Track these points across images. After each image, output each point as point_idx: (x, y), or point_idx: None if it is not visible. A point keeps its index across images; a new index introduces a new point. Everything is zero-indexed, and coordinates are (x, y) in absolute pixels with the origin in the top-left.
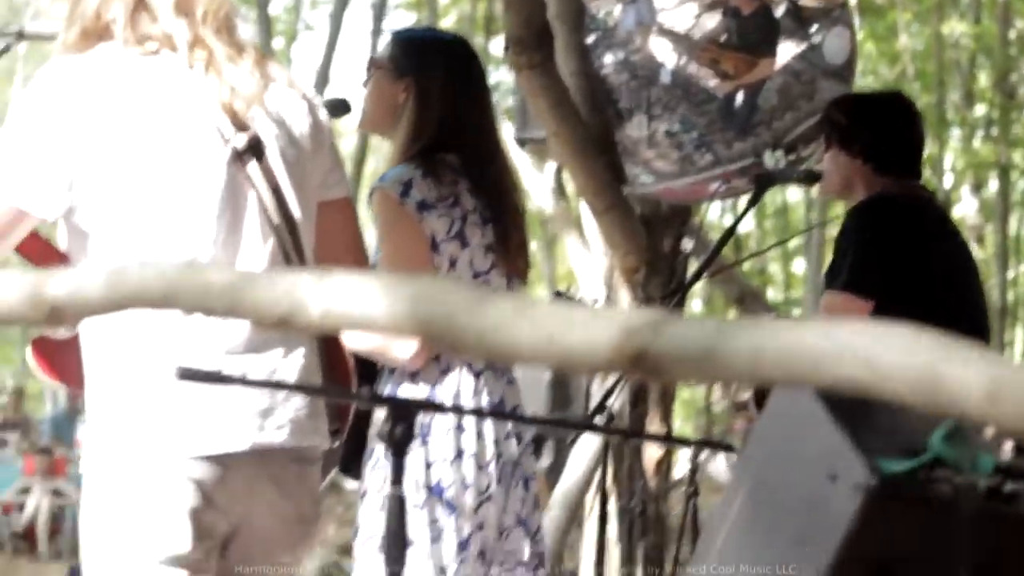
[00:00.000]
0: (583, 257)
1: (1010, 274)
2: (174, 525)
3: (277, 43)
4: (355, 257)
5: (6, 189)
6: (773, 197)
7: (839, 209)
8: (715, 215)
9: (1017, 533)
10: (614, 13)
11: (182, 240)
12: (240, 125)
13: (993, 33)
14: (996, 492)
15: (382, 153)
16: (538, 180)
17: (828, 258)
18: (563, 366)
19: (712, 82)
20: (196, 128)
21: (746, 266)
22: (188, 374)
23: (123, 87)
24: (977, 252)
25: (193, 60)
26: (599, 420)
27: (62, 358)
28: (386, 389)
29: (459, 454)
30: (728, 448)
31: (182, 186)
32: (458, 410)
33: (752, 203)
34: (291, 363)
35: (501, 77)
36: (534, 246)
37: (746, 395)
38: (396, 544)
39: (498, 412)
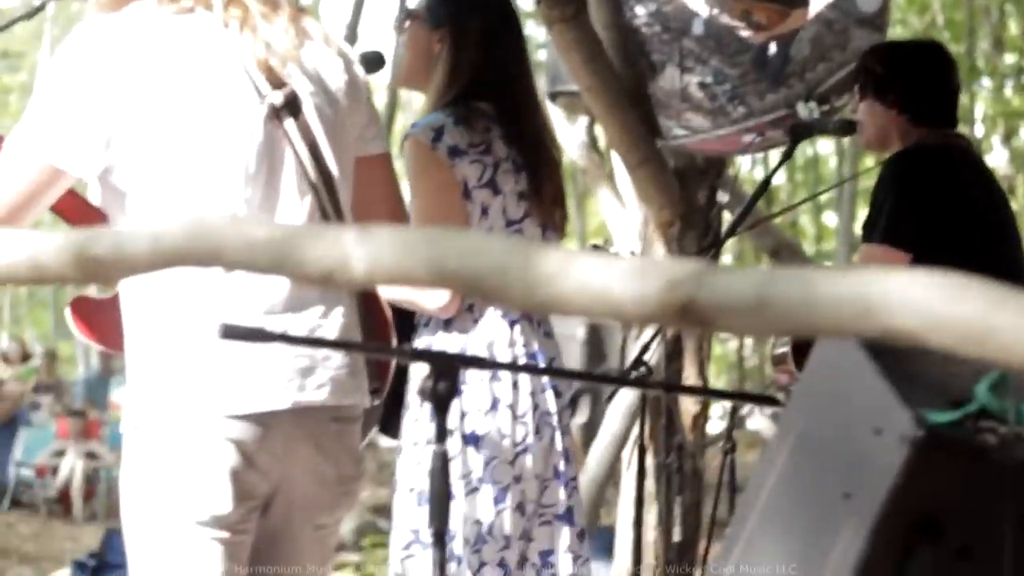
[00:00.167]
0: (617, 212)
1: None
2: (214, 486)
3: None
4: (393, 212)
5: (43, 147)
6: (803, 149)
7: (870, 161)
8: (745, 168)
9: None
10: None
11: (219, 198)
12: (276, 82)
13: None
14: None
15: (411, 110)
16: (570, 134)
17: (860, 211)
18: (610, 318)
19: (745, 33)
20: (232, 86)
21: (777, 220)
22: (231, 331)
23: (159, 45)
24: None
25: (228, 18)
26: (636, 375)
27: (101, 319)
28: (420, 339)
29: (494, 404)
30: (772, 401)
31: (219, 144)
32: (502, 366)
33: (787, 155)
34: (331, 321)
35: (531, 32)
36: None
37: (782, 349)
38: (440, 502)
39: (541, 368)
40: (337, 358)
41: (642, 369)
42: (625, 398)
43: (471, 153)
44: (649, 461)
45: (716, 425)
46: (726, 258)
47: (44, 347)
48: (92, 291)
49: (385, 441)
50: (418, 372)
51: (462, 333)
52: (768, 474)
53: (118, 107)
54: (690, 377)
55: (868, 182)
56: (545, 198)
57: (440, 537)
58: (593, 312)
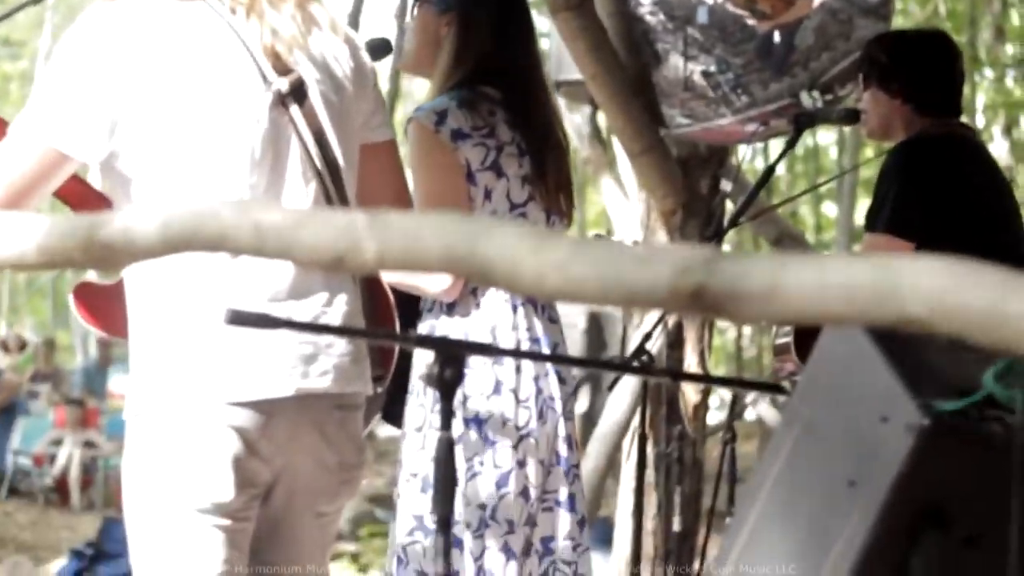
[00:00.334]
0: (618, 200)
1: None
2: (216, 473)
3: None
4: (398, 199)
5: (47, 131)
6: (804, 139)
7: (871, 151)
8: (746, 157)
9: None
10: None
11: (224, 184)
12: (282, 69)
13: None
14: None
15: (413, 99)
16: (572, 123)
17: (860, 201)
18: (622, 305)
19: (749, 21)
20: (238, 72)
21: (779, 209)
22: (237, 317)
23: (165, 31)
24: None
25: (235, 4)
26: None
27: (104, 305)
28: (424, 324)
29: (497, 388)
30: (778, 389)
31: (224, 130)
32: (507, 352)
33: (791, 144)
34: (334, 309)
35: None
36: None
37: (784, 339)
38: (445, 489)
39: (547, 355)
40: (340, 345)
41: (644, 358)
42: (626, 388)
43: (474, 136)
44: (649, 450)
45: (713, 416)
46: (725, 248)
47: (42, 336)
48: (94, 277)
49: (383, 430)
50: (422, 357)
51: (465, 317)
52: (773, 462)
53: (124, 92)
54: (691, 366)
55: (869, 173)
56: (550, 183)
57: (445, 524)
58: (605, 299)
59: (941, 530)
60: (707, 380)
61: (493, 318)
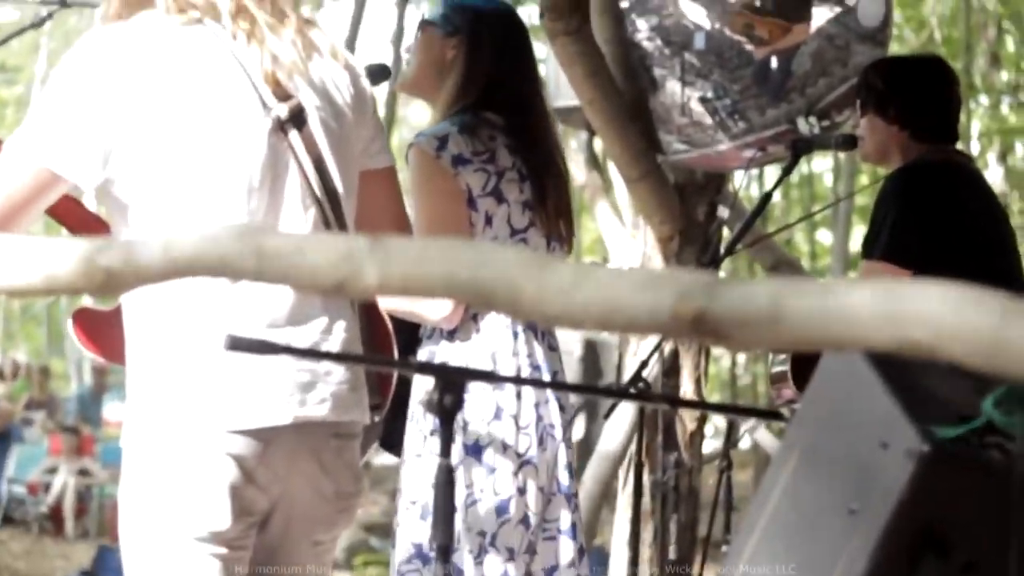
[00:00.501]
0: (615, 227)
1: None
2: (214, 501)
3: (303, 13)
4: (398, 226)
5: (41, 151)
6: (799, 166)
7: (866, 178)
8: (741, 183)
9: None
10: None
11: (223, 210)
12: (282, 95)
13: None
14: None
15: (409, 125)
16: (568, 150)
17: (856, 228)
18: (623, 331)
19: (746, 47)
20: (237, 98)
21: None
22: (236, 343)
23: (164, 56)
24: None
25: (236, 30)
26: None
27: (103, 331)
28: (424, 350)
29: (497, 414)
30: (776, 416)
31: (223, 156)
32: (507, 379)
33: (788, 170)
34: (333, 336)
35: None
36: None
37: (781, 367)
38: (444, 516)
39: (546, 382)
40: (338, 373)
41: (640, 385)
42: (622, 415)
43: (475, 161)
44: (645, 478)
45: (708, 444)
46: (721, 274)
47: (37, 363)
48: (92, 303)
49: (379, 459)
50: (421, 384)
51: (465, 343)
52: (773, 488)
53: (121, 116)
54: (688, 393)
55: (864, 200)
56: (550, 209)
57: (445, 551)
58: (605, 325)
59: (941, 556)
60: (704, 407)
61: (493, 344)
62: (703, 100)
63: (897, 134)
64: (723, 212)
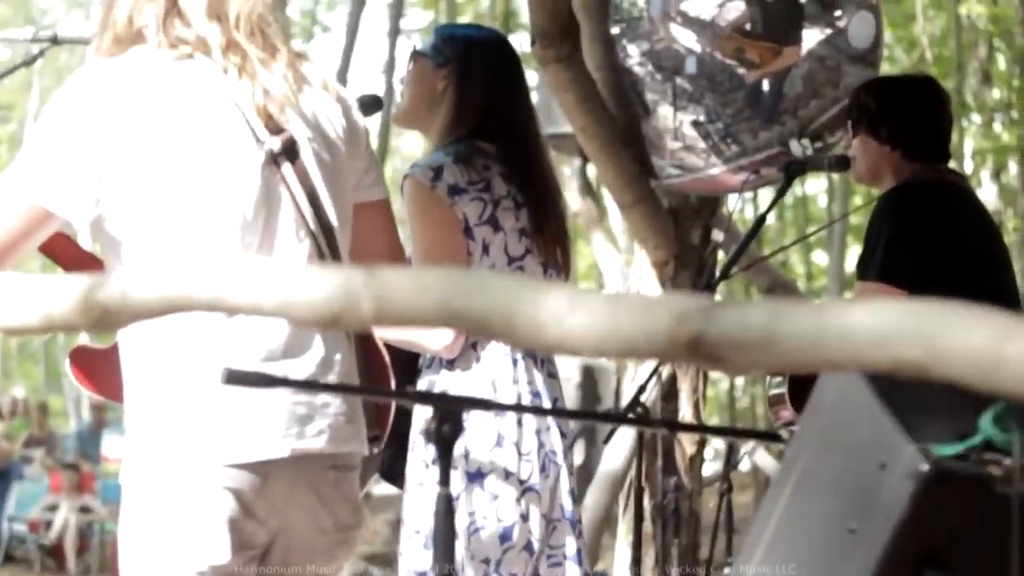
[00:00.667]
0: (609, 252)
1: None
2: (213, 535)
3: (294, 45)
4: (393, 258)
5: (32, 188)
6: (793, 188)
7: (860, 199)
8: (735, 206)
9: None
10: (638, 3)
11: (216, 245)
12: (274, 128)
13: (1010, 14)
14: None
15: (402, 155)
16: (562, 177)
17: (851, 249)
18: (620, 356)
19: (738, 71)
20: (230, 132)
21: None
22: (233, 377)
23: (156, 91)
24: None
25: (227, 64)
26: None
27: (100, 369)
28: (423, 380)
29: (499, 441)
30: (775, 438)
31: (216, 190)
32: (506, 407)
33: (782, 192)
34: (330, 367)
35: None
36: None
37: (778, 389)
38: (445, 546)
39: (545, 409)
40: (335, 405)
41: (639, 410)
42: (621, 440)
43: (471, 191)
44: (646, 503)
45: (708, 467)
46: (717, 298)
47: (36, 401)
48: (89, 341)
49: (379, 489)
50: (422, 414)
51: (465, 371)
52: (773, 510)
53: (114, 151)
54: (686, 417)
55: (859, 220)
56: (547, 235)
57: None
58: (603, 350)
59: (942, 574)
60: (703, 430)
61: (493, 372)
62: (695, 124)
63: (889, 154)
64: (718, 236)
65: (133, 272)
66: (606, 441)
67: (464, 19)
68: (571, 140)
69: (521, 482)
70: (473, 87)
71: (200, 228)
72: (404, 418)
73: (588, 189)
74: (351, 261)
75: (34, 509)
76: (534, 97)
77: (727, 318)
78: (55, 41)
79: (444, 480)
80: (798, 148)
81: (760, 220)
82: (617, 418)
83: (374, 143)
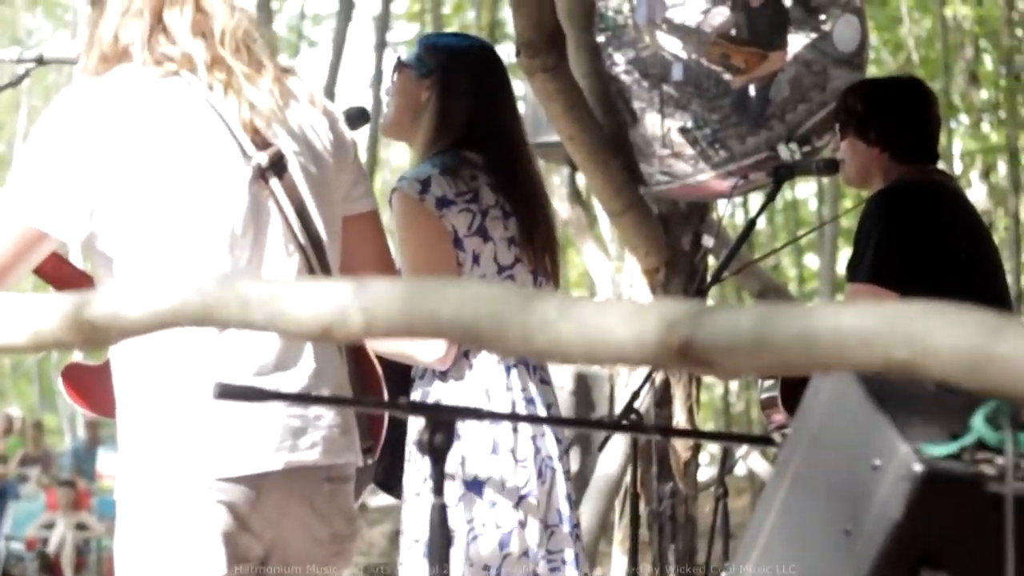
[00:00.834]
0: (600, 261)
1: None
2: (209, 549)
3: (281, 60)
4: (383, 270)
5: (26, 209)
6: (782, 192)
7: (850, 202)
8: (725, 211)
9: None
10: (623, 11)
11: (206, 260)
12: (261, 143)
13: (996, 15)
14: None
15: (391, 167)
16: (551, 186)
17: (842, 251)
18: (610, 362)
19: (724, 76)
20: (217, 148)
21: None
22: (225, 391)
23: (143, 108)
24: None
25: (212, 80)
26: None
27: (92, 386)
28: (417, 391)
29: (495, 448)
30: (768, 442)
31: (205, 207)
32: (498, 416)
33: (771, 196)
34: (322, 381)
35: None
36: None
37: (770, 393)
38: (440, 555)
39: (538, 417)
40: (328, 417)
41: (633, 416)
42: (615, 447)
43: (459, 202)
44: (642, 509)
45: (703, 472)
46: (709, 303)
47: (30, 419)
48: (82, 358)
49: (375, 500)
50: (416, 423)
51: (458, 381)
52: (767, 514)
53: (103, 169)
54: (680, 423)
55: (849, 223)
56: (536, 244)
57: None
58: (593, 357)
59: (937, 574)
60: (697, 435)
61: (487, 381)
62: (683, 131)
63: (878, 156)
64: (708, 241)
65: (122, 289)
66: (601, 448)
67: (450, 30)
68: (559, 149)
69: (518, 489)
70: (456, 96)
71: (189, 244)
72: (399, 427)
73: (577, 198)
74: (341, 274)
75: (31, 527)
76: (521, 107)
77: (716, 322)
78: (41, 61)
79: (438, 490)
80: (786, 152)
81: (750, 225)
82: (610, 425)
83: (362, 156)
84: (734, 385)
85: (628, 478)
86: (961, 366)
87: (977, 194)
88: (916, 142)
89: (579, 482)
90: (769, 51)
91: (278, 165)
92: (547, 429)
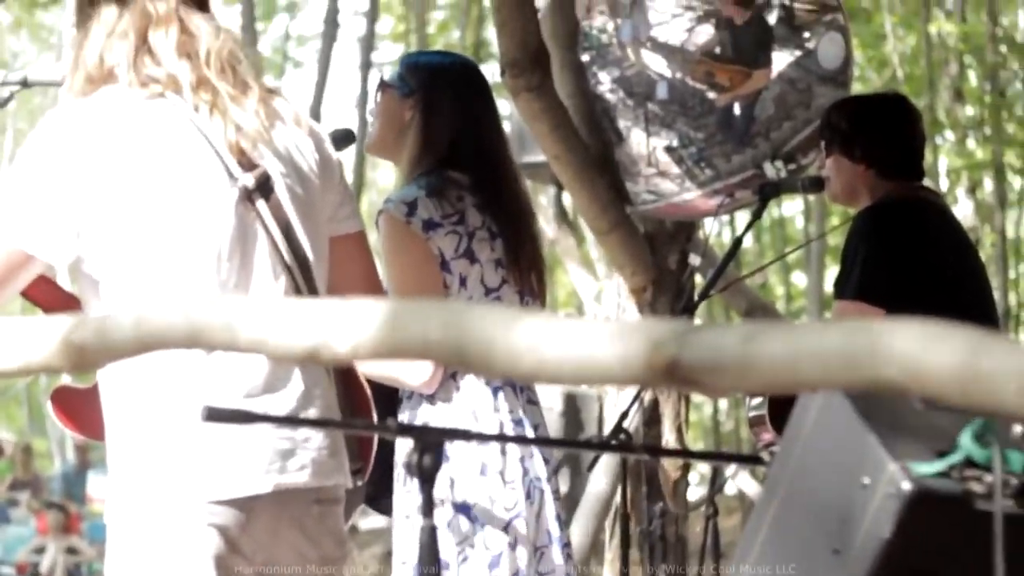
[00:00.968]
0: (587, 280)
1: (1010, 275)
2: (199, 572)
3: (266, 81)
4: (370, 290)
5: (12, 231)
6: (769, 210)
7: (837, 219)
8: (712, 230)
9: None
10: (608, 30)
11: (193, 282)
12: (247, 164)
13: (980, 31)
14: None
15: (377, 188)
16: (537, 206)
17: (829, 269)
18: (597, 383)
19: (709, 95)
20: (203, 169)
21: (747, 281)
22: (214, 414)
23: (129, 130)
24: None
25: (198, 101)
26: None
27: (82, 409)
28: (404, 413)
29: (483, 470)
30: (757, 461)
31: (191, 228)
32: (486, 437)
33: (757, 214)
34: (310, 402)
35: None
36: None
37: (758, 411)
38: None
39: (526, 438)
40: (317, 439)
41: (622, 436)
42: (605, 467)
43: (445, 225)
44: (632, 529)
45: (693, 492)
46: (696, 321)
47: (20, 443)
48: (70, 381)
49: (366, 522)
50: (405, 445)
51: (446, 403)
52: (757, 533)
53: (89, 191)
54: (669, 442)
55: (836, 240)
56: (523, 265)
57: None
58: (580, 378)
59: None
60: (686, 455)
61: (474, 402)
62: (669, 149)
63: (863, 173)
64: (695, 260)
65: (109, 312)
66: (590, 469)
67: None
68: (545, 169)
69: (507, 510)
70: (440, 115)
71: (176, 266)
72: (388, 445)
73: (564, 217)
74: (329, 294)
75: (22, 551)
76: (506, 126)
77: (702, 342)
78: (26, 84)
79: (427, 511)
80: (772, 170)
81: (737, 243)
82: (599, 445)
83: (349, 177)
84: (723, 404)
85: (618, 498)
86: (949, 384)
87: (963, 210)
88: (901, 159)
89: (569, 502)
90: (754, 69)
91: (264, 186)
92: (535, 450)
